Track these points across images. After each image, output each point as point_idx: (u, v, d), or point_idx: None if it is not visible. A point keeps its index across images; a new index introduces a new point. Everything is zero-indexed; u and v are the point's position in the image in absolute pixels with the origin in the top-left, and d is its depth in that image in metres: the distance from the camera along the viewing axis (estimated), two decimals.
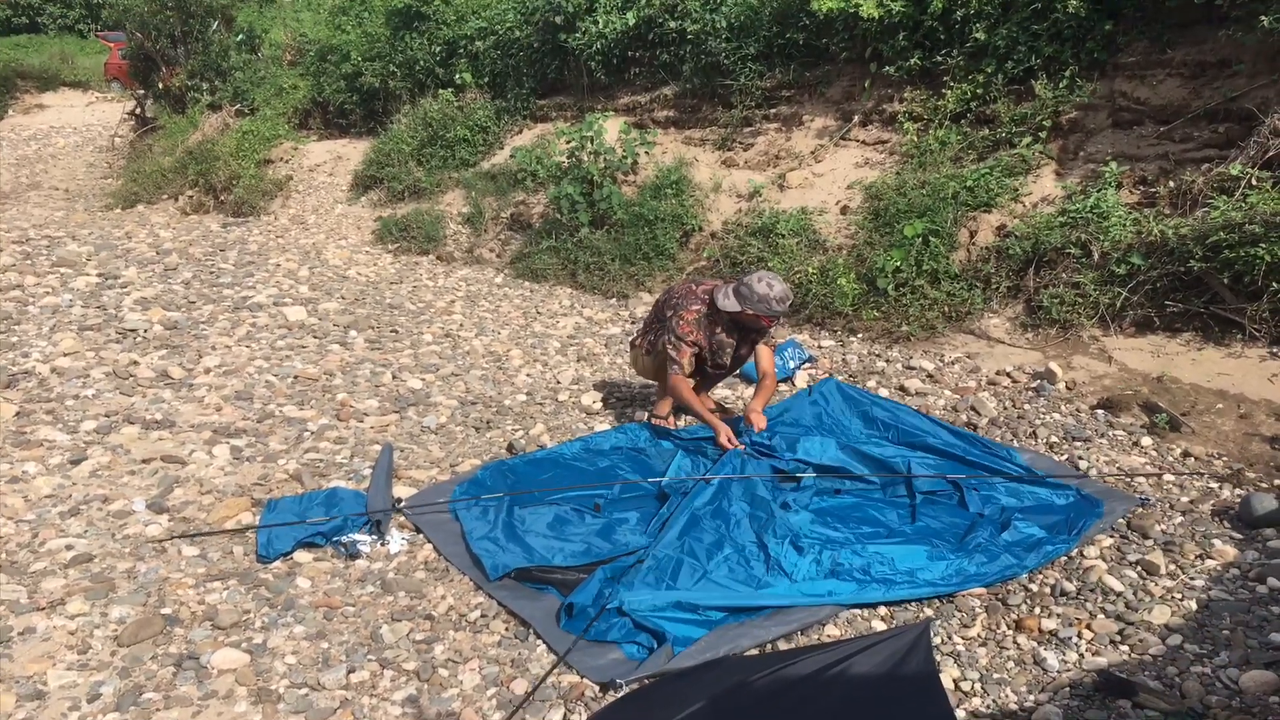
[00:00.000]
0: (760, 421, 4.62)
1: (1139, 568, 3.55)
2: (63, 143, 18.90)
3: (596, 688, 3.03)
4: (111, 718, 2.90)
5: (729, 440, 4.47)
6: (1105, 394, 5.00)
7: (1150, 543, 3.71)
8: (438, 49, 11.51)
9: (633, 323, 7.07)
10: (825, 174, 7.68)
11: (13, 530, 3.94)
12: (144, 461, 4.63)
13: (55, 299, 7.02)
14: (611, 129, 8.72)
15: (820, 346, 6.21)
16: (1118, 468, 4.35)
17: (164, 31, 15.22)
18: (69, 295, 7.15)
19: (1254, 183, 5.31)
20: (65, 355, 5.88)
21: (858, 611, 3.40)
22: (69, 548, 3.83)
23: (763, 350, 4.89)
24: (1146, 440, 4.58)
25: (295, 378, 5.80)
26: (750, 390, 5.65)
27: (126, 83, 20.33)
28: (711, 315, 4.78)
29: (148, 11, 15.06)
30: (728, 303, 4.65)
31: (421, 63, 11.58)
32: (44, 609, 3.42)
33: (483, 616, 3.48)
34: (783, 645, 3.21)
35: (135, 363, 5.84)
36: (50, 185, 14.87)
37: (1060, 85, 6.47)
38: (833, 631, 3.34)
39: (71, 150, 18.20)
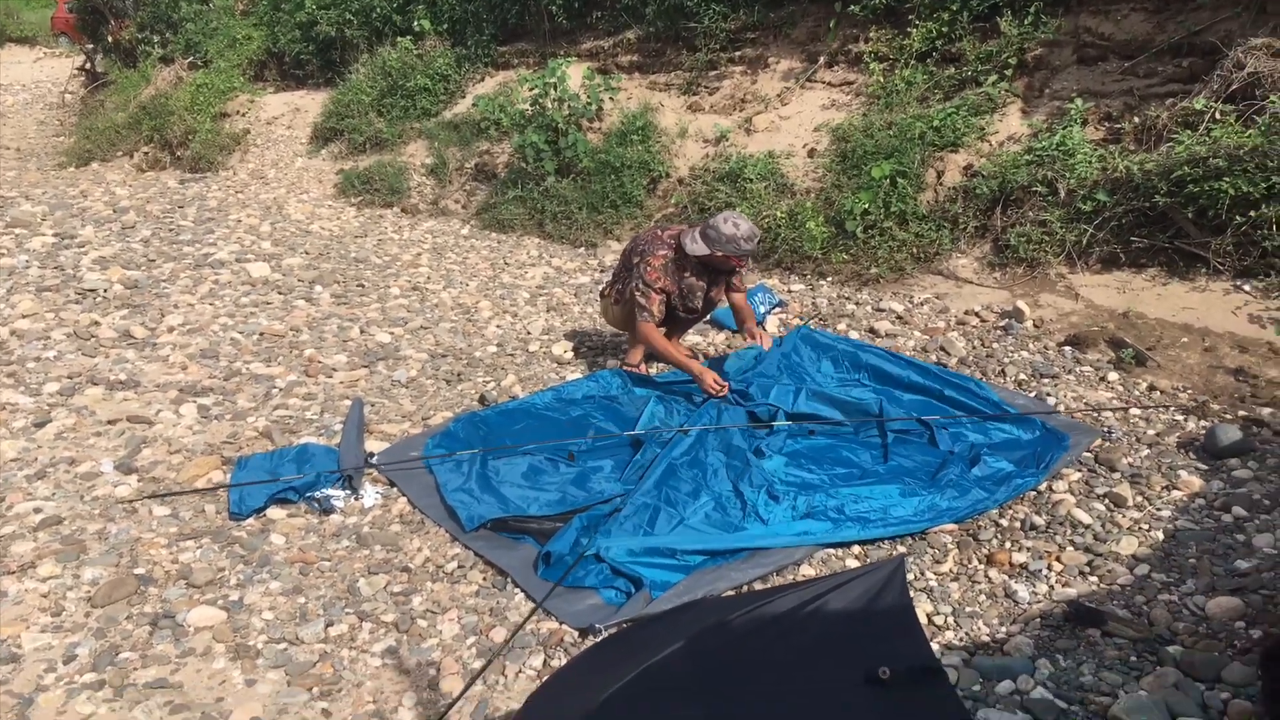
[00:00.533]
0: (766, 340, 4.85)
1: (1106, 500, 3.62)
2: (11, 100, 18.37)
3: (575, 633, 3.06)
4: (89, 678, 2.88)
5: (715, 384, 4.47)
6: (1072, 331, 5.05)
7: (1117, 475, 3.77)
8: None
9: (601, 271, 7.03)
10: (792, 117, 7.62)
11: None
12: (110, 423, 4.56)
13: (10, 260, 6.87)
14: (575, 75, 8.59)
15: (790, 291, 6.21)
16: (1084, 403, 4.41)
17: None
18: (25, 256, 7.00)
19: (1218, 117, 5.33)
20: (24, 317, 5.76)
21: (832, 551, 3.44)
22: (37, 511, 3.78)
23: (735, 296, 4.97)
24: (1113, 375, 4.63)
25: (261, 334, 5.73)
26: (722, 335, 5.66)
27: (75, 37, 19.77)
28: (679, 260, 4.75)
29: None
30: (696, 247, 4.62)
31: (378, 9, 11.31)
32: (14, 573, 3.38)
33: (460, 567, 3.49)
34: (759, 587, 3.25)
35: (96, 323, 5.74)
36: (0, 145, 14.48)
37: (1025, 22, 6.44)
38: (808, 571, 3.38)
39: (21, 108, 17.69)
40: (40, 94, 18.56)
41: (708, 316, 5.31)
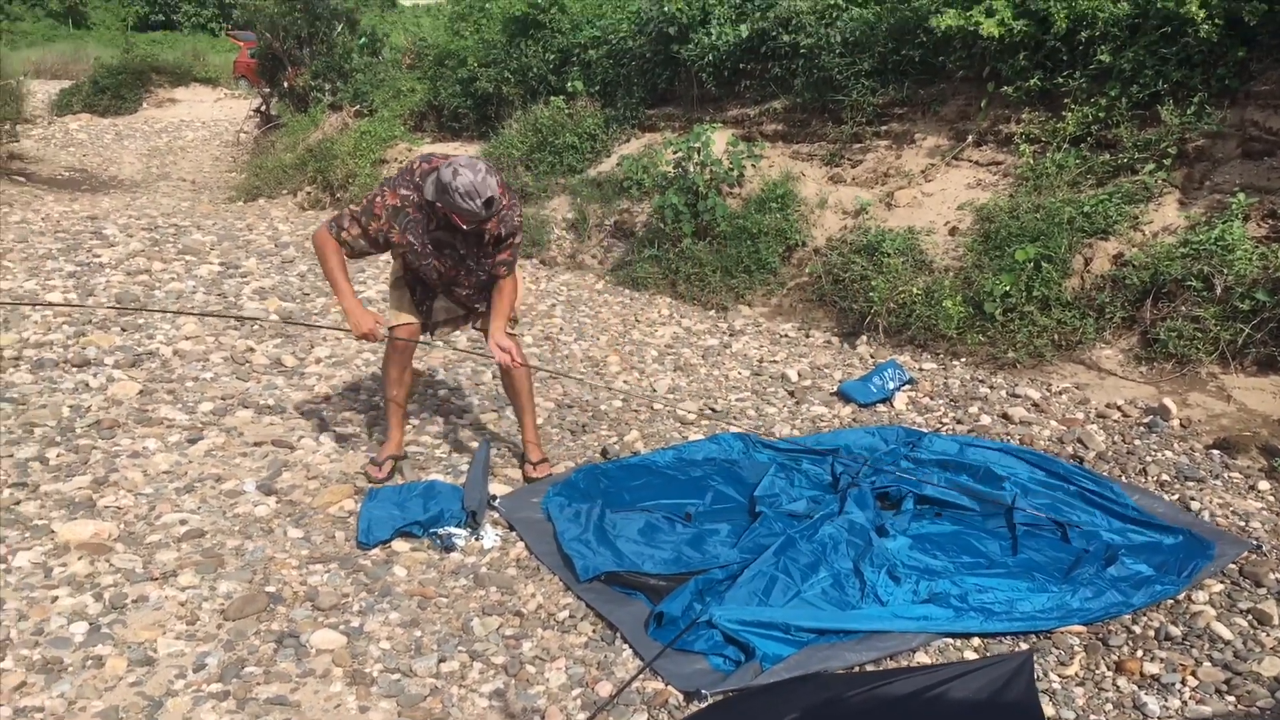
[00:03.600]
0: (507, 347, 4.23)
1: (1250, 616, 3.41)
2: (191, 136, 19.80)
3: (680, 696, 3.04)
4: (215, 688, 3.02)
5: (362, 333, 4.08)
6: (1222, 434, 4.80)
7: (1263, 591, 3.55)
8: (551, 57, 11.69)
9: (730, 335, 7.07)
10: (935, 194, 7.55)
11: (131, 502, 4.14)
12: (256, 444, 4.81)
13: (180, 284, 7.36)
14: (719, 141, 8.74)
15: (922, 369, 6.11)
16: (1231, 511, 4.18)
17: (291, 32, 15.81)
18: (193, 282, 7.49)
19: None
20: (187, 339, 6.15)
21: (950, 641, 3.34)
22: (183, 522, 4.00)
23: (505, 282, 4.31)
24: (1264, 485, 4.38)
25: None
26: (849, 408, 5.58)
27: (254, 80, 21.17)
28: (427, 208, 4.00)
29: (277, 13, 15.68)
30: (428, 189, 3.88)
31: (535, 70, 11.78)
32: (157, 579, 3.58)
33: (571, 617, 3.52)
34: (870, 669, 3.17)
35: (251, 349, 6.09)
36: (178, 176, 15.60)
37: (1188, 112, 6.24)
38: (923, 659, 3.28)
39: (199, 144, 19.05)
40: (218, 131, 19.94)
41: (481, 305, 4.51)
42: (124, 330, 6.19)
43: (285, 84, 16.28)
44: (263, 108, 17.54)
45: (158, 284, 7.32)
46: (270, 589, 3.57)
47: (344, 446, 4.88)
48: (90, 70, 23.70)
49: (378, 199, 4.02)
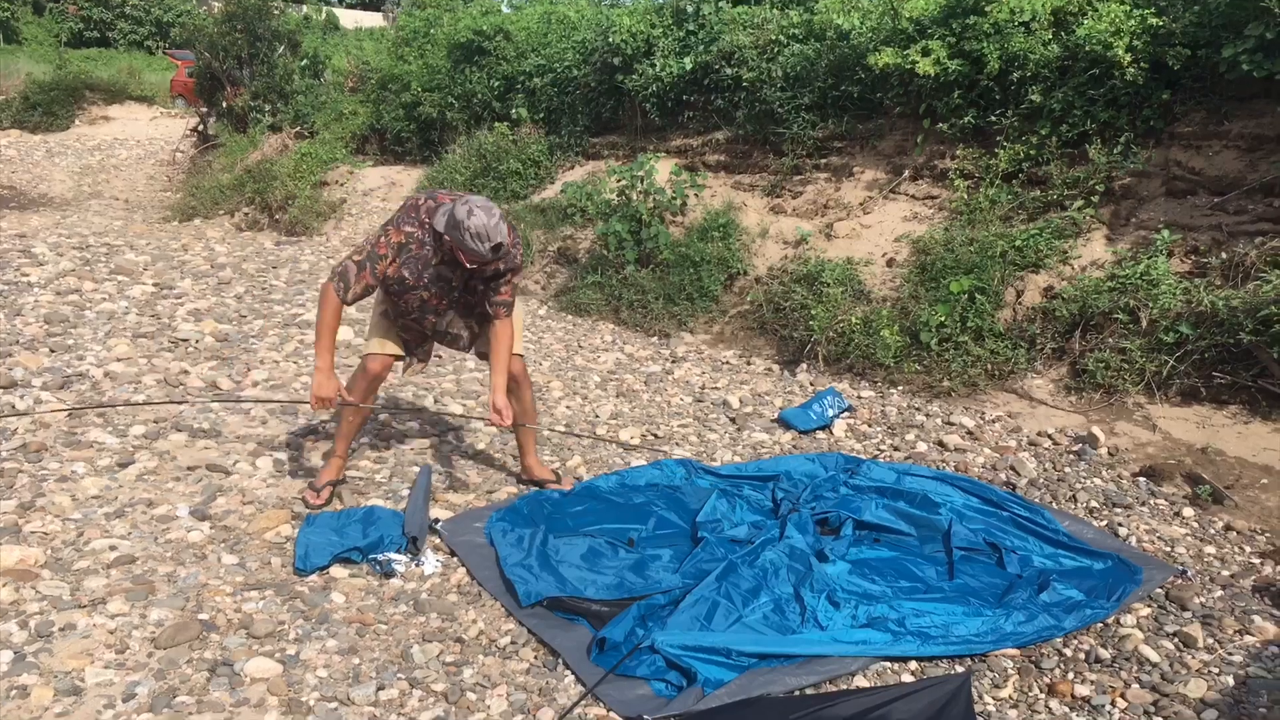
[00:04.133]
0: (500, 408, 4.21)
1: (1176, 639, 3.51)
2: (125, 154, 19.42)
3: None
4: (145, 718, 2.94)
5: (320, 398, 4.06)
6: (1148, 462, 4.96)
7: (1189, 615, 3.66)
8: (496, 84, 11.74)
9: (673, 361, 7.12)
10: (873, 225, 7.71)
11: (59, 528, 4.02)
12: (189, 469, 4.71)
13: (112, 305, 7.19)
14: (663, 170, 8.83)
15: (860, 396, 6.21)
16: (1157, 536, 4.30)
17: (231, 53, 15.65)
18: (125, 302, 7.33)
19: None
20: (119, 360, 6.02)
21: (888, 665, 3.38)
22: (113, 548, 3.90)
23: (503, 324, 4.29)
24: (1188, 511, 4.52)
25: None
26: (789, 435, 5.65)
27: (191, 100, 20.90)
28: (433, 241, 4.05)
29: (217, 33, 15.52)
30: (439, 221, 3.98)
31: (479, 96, 11.81)
32: (85, 607, 3.48)
33: (513, 643, 3.50)
34: (810, 693, 3.20)
35: (186, 372, 5.97)
36: (111, 195, 15.28)
37: (1114, 151, 6.48)
38: (861, 683, 3.31)
39: (134, 162, 18.69)
40: (153, 150, 19.60)
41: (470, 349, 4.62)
42: (53, 351, 6.03)
43: (224, 104, 16.09)
44: (200, 127, 17.30)
45: (89, 304, 7.15)
46: (203, 616, 3.49)
47: (280, 471, 4.80)
48: (21, 86, 23.15)
49: (381, 239, 4.03)
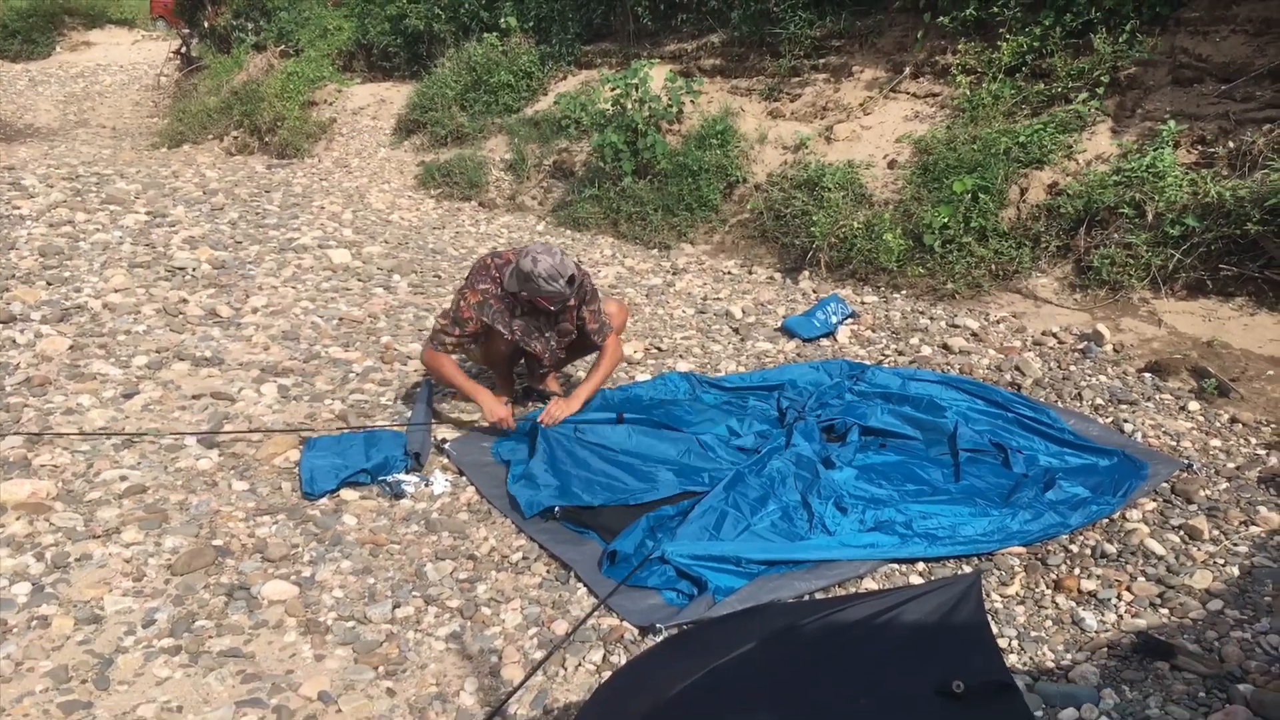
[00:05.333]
0: (563, 410, 4.31)
1: (1181, 532, 3.54)
2: (109, 81, 19.05)
3: (635, 631, 3.08)
4: (166, 643, 2.98)
5: (497, 418, 4.26)
6: (1153, 357, 4.94)
7: (1194, 508, 3.69)
8: None
9: (674, 273, 7.06)
10: (873, 127, 7.57)
11: (68, 460, 4.04)
12: (194, 397, 4.72)
13: (105, 235, 7.12)
14: (657, 77, 8.63)
15: (863, 302, 6.17)
16: (1163, 431, 4.31)
17: None
18: (119, 232, 7.25)
19: None
20: (116, 291, 5.97)
21: (896, 567, 3.42)
22: (123, 479, 3.92)
23: (608, 346, 4.47)
24: (1194, 405, 4.53)
25: (340, 320, 5.87)
26: (792, 344, 5.63)
27: (172, 21, 20.39)
28: (510, 296, 4.26)
29: None
30: (511, 282, 4.17)
31: (466, 5, 11.50)
32: (99, 537, 3.51)
33: (524, 558, 3.54)
34: (820, 597, 3.24)
35: (184, 300, 5.93)
36: (98, 123, 15.03)
37: (1120, 40, 6.31)
38: (870, 586, 3.36)
39: (118, 88, 18.34)
40: (136, 75, 19.21)
41: (587, 356, 4.87)
42: (49, 284, 5.99)
43: (205, 24, 15.70)
44: (183, 49, 16.92)
45: (82, 235, 7.07)
46: (217, 542, 3.52)
47: (286, 396, 4.80)
48: None
49: (461, 304, 4.24)
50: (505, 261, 4.25)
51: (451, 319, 4.26)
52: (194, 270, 6.52)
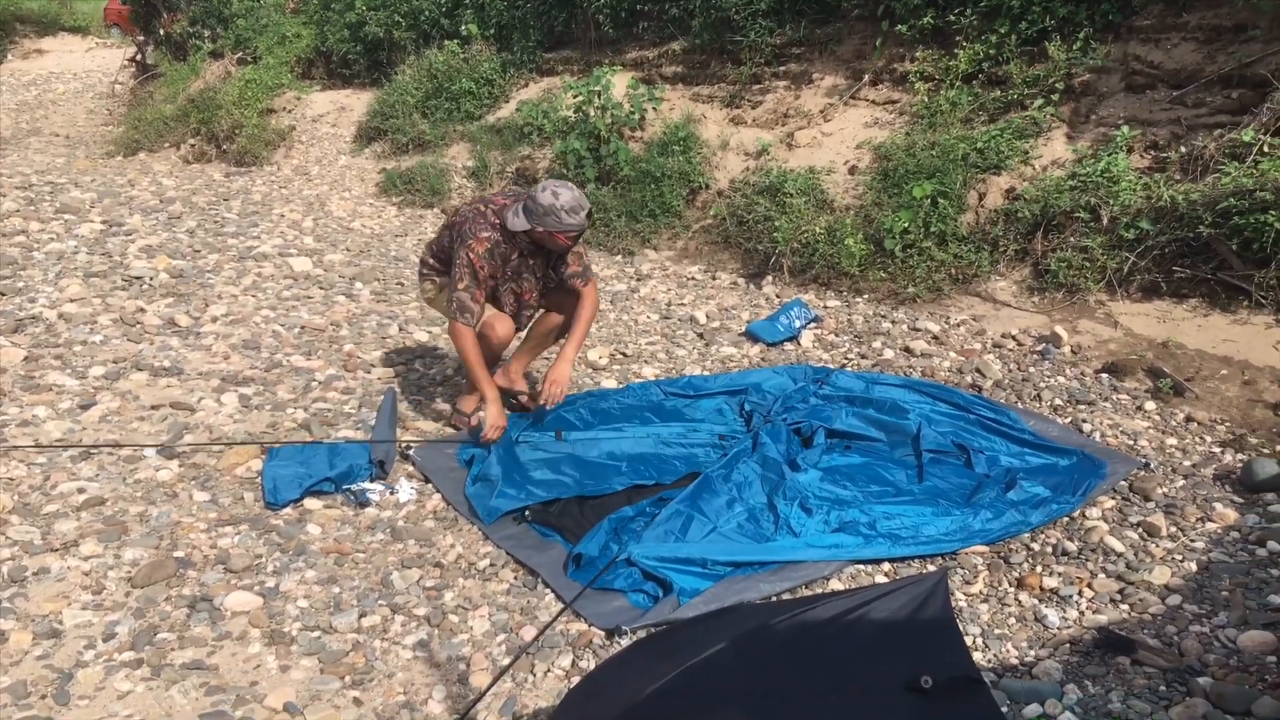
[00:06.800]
0: (558, 389, 4.18)
1: (1140, 529, 3.60)
2: (62, 89, 18.72)
3: (603, 635, 3.08)
4: (127, 656, 2.94)
5: (495, 433, 4.15)
6: (1110, 358, 5.03)
7: (1152, 505, 3.75)
8: None
9: (638, 279, 7.08)
10: (834, 133, 7.64)
11: (24, 473, 3.97)
12: (153, 408, 4.65)
13: (60, 245, 7.01)
14: (619, 84, 8.66)
15: (826, 306, 6.22)
16: (1120, 431, 4.39)
17: None
18: (74, 241, 7.14)
19: (1266, 149, 5.29)
20: (72, 301, 5.88)
21: (862, 568, 3.45)
22: (81, 491, 3.85)
23: (586, 293, 4.32)
24: (1150, 405, 4.61)
25: (302, 328, 5.81)
26: (756, 348, 5.66)
27: (127, 28, 20.12)
28: (508, 240, 4.16)
29: None
30: (517, 221, 4.04)
31: (427, 13, 11.45)
32: (57, 550, 3.45)
33: (491, 565, 3.52)
34: (787, 599, 3.26)
35: (142, 310, 5.85)
36: (51, 131, 14.75)
37: (1074, 47, 6.42)
38: (835, 586, 3.38)
39: (72, 96, 18.03)
40: (90, 83, 18.90)
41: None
42: (3, 295, 5.88)
43: (161, 31, 15.49)
44: (138, 57, 16.66)
45: (36, 245, 6.96)
46: (179, 554, 3.47)
47: (247, 406, 4.75)
48: None
49: (469, 255, 4.07)
50: (501, 205, 4.15)
51: (467, 276, 4.08)
52: (151, 279, 6.43)
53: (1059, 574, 3.37)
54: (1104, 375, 4.93)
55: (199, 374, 5.07)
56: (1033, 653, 2.99)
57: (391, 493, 3.98)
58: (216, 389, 4.90)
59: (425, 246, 4.59)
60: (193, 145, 12.20)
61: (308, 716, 2.73)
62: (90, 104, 17.02)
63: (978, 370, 5.10)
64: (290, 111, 12.49)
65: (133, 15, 16.66)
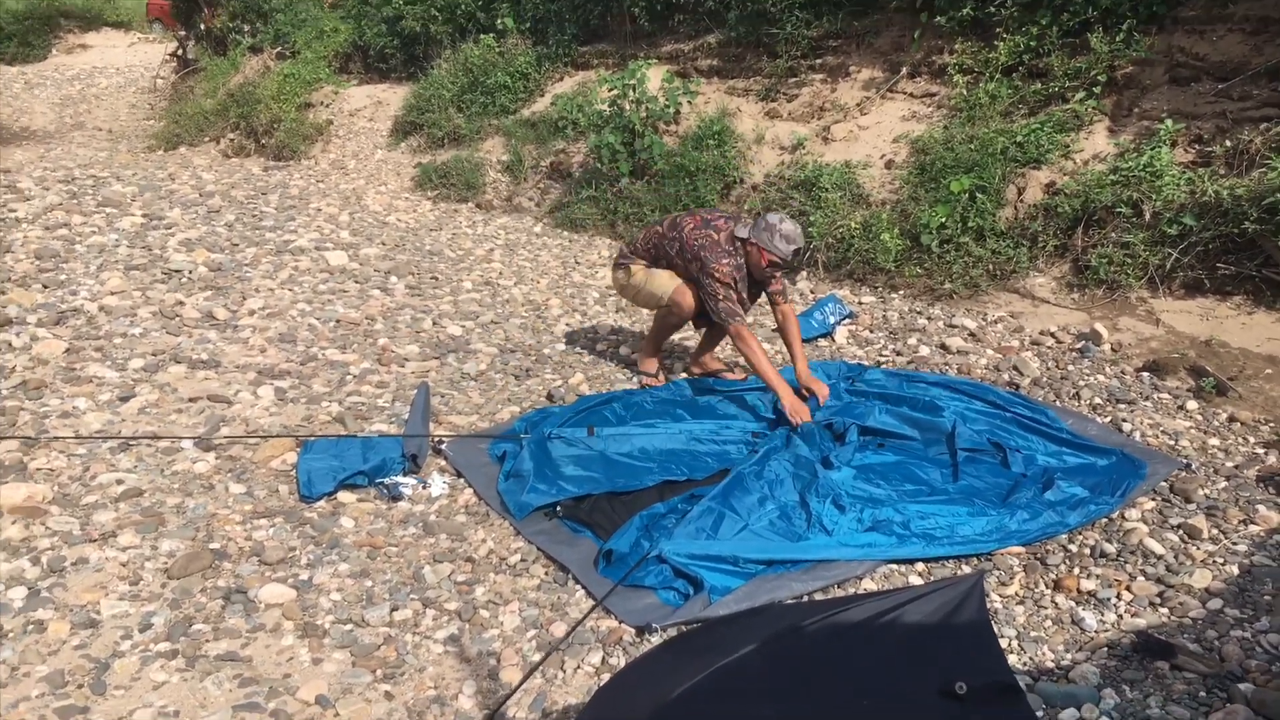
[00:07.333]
0: (823, 389, 4.57)
1: (1180, 531, 3.53)
2: (105, 83, 19.02)
3: (633, 632, 3.07)
4: (163, 647, 2.97)
5: (795, 412, 4.35)
6: (1151, 356, 4.94)
7: (1193, 507, 3.68)
8: None
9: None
10: (871, 127, 7.56)
11: (64, 464, 4.02)
12: (191, 400, 4.70)
13: (102, 238, 7.10)
14: (654, 77, 8.63)
15: (861, 302, 6.17)
16: (1161, 430, 4.31)
17: None
18: (115, 235, 7.23)
19: None
20: (113, 294, 5.96)
21: (895, 567, 3.41)
22: (119, 482, 3.90)
23: (787, 311, 4.79)
24: (1192, 404, 4.52)
25: (337, 321, 5.86)
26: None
27: (168, 23, 20.36)
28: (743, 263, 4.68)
29: None
30: (741, 229, 4.63)
31: (463, 7, 11.48)
32: (96, 541, 3.50)
33: (522, 560, 3.53)
34: (819, 598, 3.23)
35: (181, 303, 5.92)
36: (94, 125, 15.00)
37: (1117, 39, 6.31)
38: (869, 586, 3.36)
39: (114, 91, 18.31)
40: (133, 78, 19.18)
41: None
42: (45, 287, 5.97)
43: (202, 26, 15.66)
44: (179, 51, 16.87)
45: (78, 238, 7.06)
46: (214, 545, 3.51)
47: (283, 399, 4.79)
48: None
49: (724, 274, 4.56)
50: (726, 224, 4.68)
51: (730, 284, 4.57)
52: (190, 273, 6.51)
53: (1097, 576, 3.32)
54: (1145, 374, 4.84)
55: (236, 367, 5.12)
56: (1069, 656, 2.94)
57: (424, 487, 4.00)
58: (253, 382, 4.94)
59: (622, 245, 5.27)
60: (232, 139, 12.34)
61: (339, 710, 2.75)
62: (132, 98, 17.28)
63: (1015, 368, 5.03)
64: (328, 106, 12.59)
65: (174, 10, 16.88)
